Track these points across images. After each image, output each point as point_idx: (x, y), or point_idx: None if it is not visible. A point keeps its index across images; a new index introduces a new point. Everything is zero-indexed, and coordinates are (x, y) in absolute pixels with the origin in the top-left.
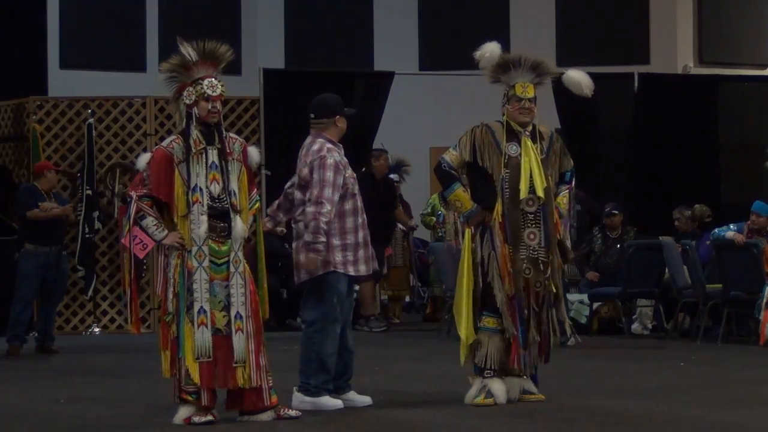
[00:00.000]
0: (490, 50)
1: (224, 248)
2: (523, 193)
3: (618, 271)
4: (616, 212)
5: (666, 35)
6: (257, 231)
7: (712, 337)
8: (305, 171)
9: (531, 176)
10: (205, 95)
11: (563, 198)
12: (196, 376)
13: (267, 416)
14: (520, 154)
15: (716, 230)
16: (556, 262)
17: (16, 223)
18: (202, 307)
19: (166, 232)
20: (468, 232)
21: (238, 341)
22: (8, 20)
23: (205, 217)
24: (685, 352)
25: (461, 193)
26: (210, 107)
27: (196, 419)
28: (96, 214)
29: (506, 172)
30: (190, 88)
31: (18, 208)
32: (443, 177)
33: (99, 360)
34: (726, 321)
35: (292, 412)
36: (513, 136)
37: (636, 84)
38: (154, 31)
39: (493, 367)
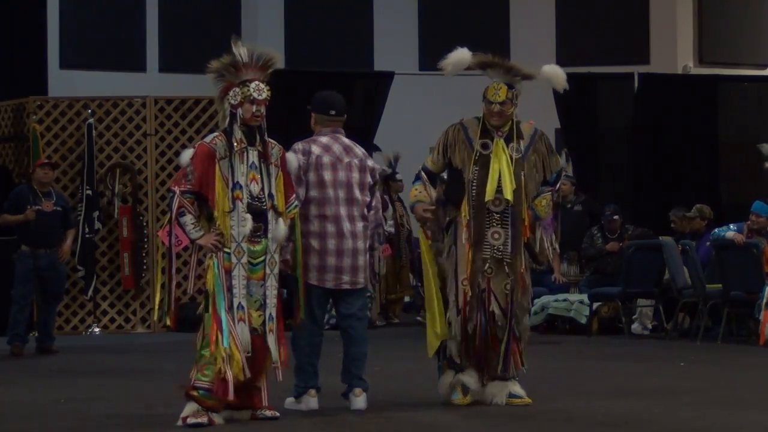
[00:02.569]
0: (455, 60)
1: (258, 248)
2: (489, 194)
3: (617, 271)
4: (615, 217)
5: (666, 35)
6: (295, 235)
7: (712, 337)
8: (368, 177)
9: (500, 178)
10: (251, 98)
11: (542, 200)
12: (239, 370)
13: (245, 415)
14: (492, 152)
15: (716, 230)
16: (521, 266)
17: None
18: (240, 303)
19: (202, 232)
20: (421, 233)
21: (272, 342)
22: (8, 20)
23: (249, 216)
24: (685, 352)
25: (412, 190)
26: (254, 110)
27: (190, 420)
28: (96, 214)
29: (475, 170)
30: (237, 89)
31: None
32: (416, 177)
33: (99, 360)
34: (726, 321)
35: (269, 413)
36: (487, 133)
37: (636, 84)
38: (154, 31)
39: (459, 362)
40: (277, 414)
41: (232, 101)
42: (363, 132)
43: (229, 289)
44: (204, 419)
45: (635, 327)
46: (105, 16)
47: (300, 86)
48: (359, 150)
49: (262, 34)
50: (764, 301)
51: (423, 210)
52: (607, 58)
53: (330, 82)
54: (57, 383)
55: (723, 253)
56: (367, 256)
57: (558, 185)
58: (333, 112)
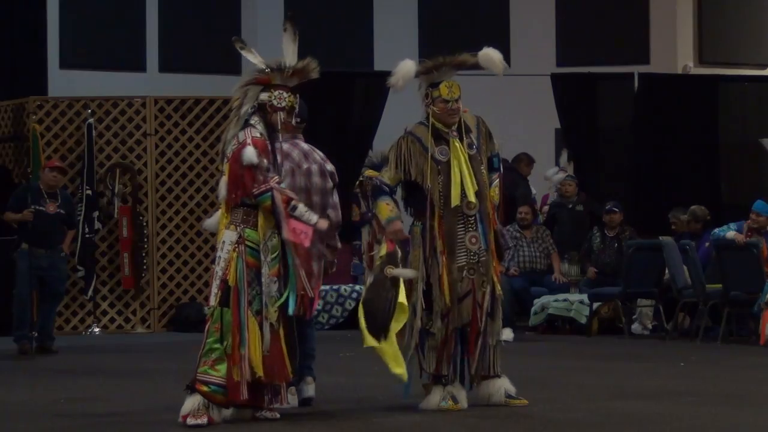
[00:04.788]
0: (403, 73)
1: (276, 242)
2: (455, 200)
3: (616, 270)
4: (616, 210)
5: (666, 35)
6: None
7: (712, 337)
8: (328, 181)
9: (462, 182)
10: (294, 109)
11: (495, 189)
12: (260, 369)
13: (246, 414)
14: (451, 156)
15: (716, 230)
16: (494, 261)
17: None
18: (265, 302)
19: (316, 215)
20: (387, 243)
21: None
22: (8, 20)
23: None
24: (685, 352)
25: (383, 205)
26: (285, 118)
27: (190, 421)
28: (96, 214)
29: (440, 179)
30: (284, 93)
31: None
32: (374, 189)
33: (99, 360)
34: (726, 321)
35: (269, 414)
36: (441, 138)
37: (636, 84)
38: (154, 31)
39: (446, 373)
40: (278, 415)
41: (276, 103)
42: (362, 132)
43: (250, 284)
44: (203, 419)
45: (635, 327)
46: (105, 16)
47: (300, 86)
48: (318, 155)
49: (262, 34)
50: (764, 300)
51: (399, 230)
52: (607, 58)
53: (330, 82)
54: (57, 383)
55: (723, 253)
56: (323, 262)
57: (501, 168)
58: (298, 120)
